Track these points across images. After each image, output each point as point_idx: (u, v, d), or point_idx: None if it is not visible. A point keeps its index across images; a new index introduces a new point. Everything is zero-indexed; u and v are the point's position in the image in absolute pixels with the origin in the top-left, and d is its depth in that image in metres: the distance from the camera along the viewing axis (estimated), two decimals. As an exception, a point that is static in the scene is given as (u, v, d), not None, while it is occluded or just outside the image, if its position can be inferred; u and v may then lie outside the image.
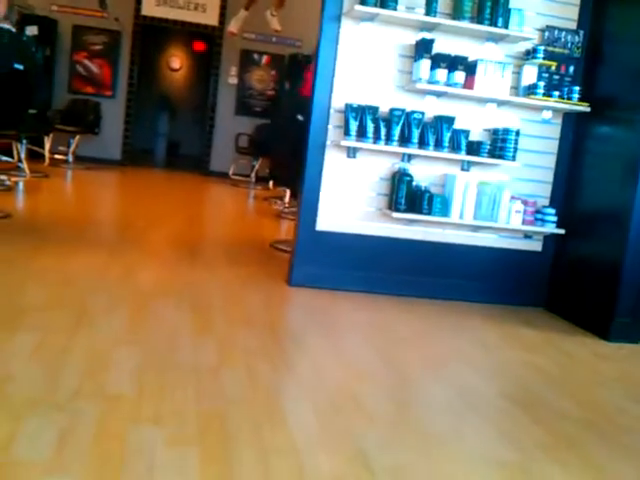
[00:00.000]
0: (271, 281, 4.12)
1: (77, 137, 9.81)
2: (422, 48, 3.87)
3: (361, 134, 3.89)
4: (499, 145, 3.99)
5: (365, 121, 3.88)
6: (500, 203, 4.01)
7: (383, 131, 3.90)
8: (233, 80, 11.49)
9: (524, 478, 1.99)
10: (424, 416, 2.40)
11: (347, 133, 3.89)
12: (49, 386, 2.16)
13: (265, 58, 11.54)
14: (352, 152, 4.00)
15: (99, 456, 1.76)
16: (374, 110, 3.90)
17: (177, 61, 15.48)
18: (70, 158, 9.69)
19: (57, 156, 9.50)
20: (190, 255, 4.73)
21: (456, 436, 2.24)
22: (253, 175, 10.42)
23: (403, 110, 3.91)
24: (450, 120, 3.97)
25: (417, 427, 2.27)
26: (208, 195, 9.60)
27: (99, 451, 1.78)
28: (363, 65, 3.96)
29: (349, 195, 4.05)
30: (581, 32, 4.10)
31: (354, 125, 3.88)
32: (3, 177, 6.37)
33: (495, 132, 4.05)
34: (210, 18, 11.25)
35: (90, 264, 3.93)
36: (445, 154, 3.96)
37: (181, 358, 2.59)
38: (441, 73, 3.85)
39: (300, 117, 5.28)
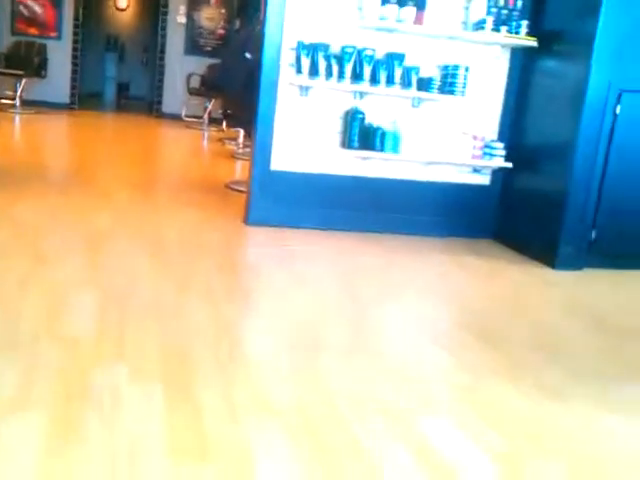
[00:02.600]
0: (228, 220, 4.16)
1: (23, 81, 9.52)
2: (372, -17, 3.86)
3: (313, 72, 3.89)
4: (448, 81, 4.04)
5: (316, 59, 3.88)
6: (449, 138, 4.10)
7: (335, 69, 3.92)
8: (182, 19, 11.22)
9: (479, 399, 2.08)
10: (382, 344, 2.50)
11: (298, 71, 3.89)
12: (8, 330, 2.18)
13: (214, -5, 11.28)
14: (304, 90, 4.01)
15: (63, 394, 1.79)
16: (325, 47, 3.90)
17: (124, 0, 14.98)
18: (17, 102, 9.42)
19: (4, 100, 9.24)
20: (144, 197, 4.73)
21: (412, 362, 2.34)
22: (206, 116, 10.30)
23: (354, 47, 3.92)
24: (400, 57, 3.99)
25: (375, 355, 2.37)
26: (161, 137, 9.49)
27: (63, 389, 1.82)
28: (314, 1, 3.93)
29: (303, 134, 4.08)
30: (529, -35, 4.12)
31: (306, 63, 3.88)
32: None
33: (445, 68, 4.09)
34: (156, -47, 10.89)
35: (42, 208, 3.91)
36: (396, 90, 4.00)
37: (141, 297, 2.64)
38: (391, 9, 3.85)
39: (248, 55, 5.22)
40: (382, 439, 1.77)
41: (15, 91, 9.46)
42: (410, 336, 2.62)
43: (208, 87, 10.20)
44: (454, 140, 4.10)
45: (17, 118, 8.90)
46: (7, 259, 2.92)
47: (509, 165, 4.21)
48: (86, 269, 2.91)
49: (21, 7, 10.66)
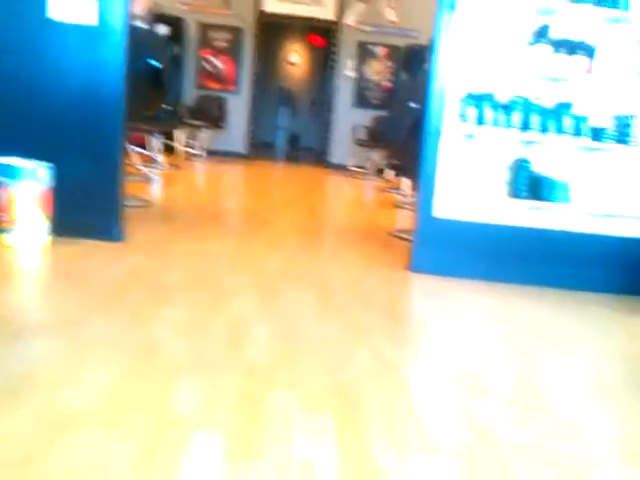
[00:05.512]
0: (391, 267, 4.26)
1: (205, 131, 10.36)
2: (541, 33, 3.88)
3: (479, 121, 3.95)
4: (622, 130, 3.93)
5: (483, 108, 3.94)
6: (623, 190, 3.96)
7: (502, 118, 3.95)
8: (351, 73, 11.69)
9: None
10: (552, 399, 2.43)
11: (464, 120, 3.96)
12: (193, 353, 2.42)
13: (382, 50, 11.66)
14: (470, 139, 4.07)
15: (242, 416, 1.96)
16: (493, 97, 3.95)
17: (296, 55, 15.89)
18: (199, 151, 10.25)
19: (187, 149, 10.10)
20: (311, 241, 4.97)
21: (585, 420, 2.25)
22: (371, 166, 10.58)
23: (522, 97, 3.94)
24: (570, 106, 3.95)
25: (545, 409, 2.31)
26: (327, 186, 9.87)
27: (241, 411, 1.99)
28: (481, 52, 4.00)
29: (467, 182, 4.12)
30: None
31: (472, 112, 3.94)
32: (141, 168, 6.90)
33: (618, 117, 3.99)
34: (328, 12, 11.49)
35: (222, 248, 4.25)
36: (565, 140, 3.95)
37: (308, 334, 2.79)
38: (561, 58, 3.85)
39: (413, 105, 5.36)
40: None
41: (197, 140, 10.32)
42: (577, 391, 2.54)
43: (373, 138, 10.52)
44: (629, 191, 3.96)
45: (198, 166, 9.67)
46: (194, 292, 3.21)
47: (689, 218, 3.99)
48: (260, 305, 3.12)
49: (205, 63, 11.63)
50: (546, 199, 3.97)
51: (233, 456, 1.73)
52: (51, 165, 3.74)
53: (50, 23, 3.81)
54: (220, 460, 1.70)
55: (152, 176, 7.09)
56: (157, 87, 5.91)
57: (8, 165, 3.64)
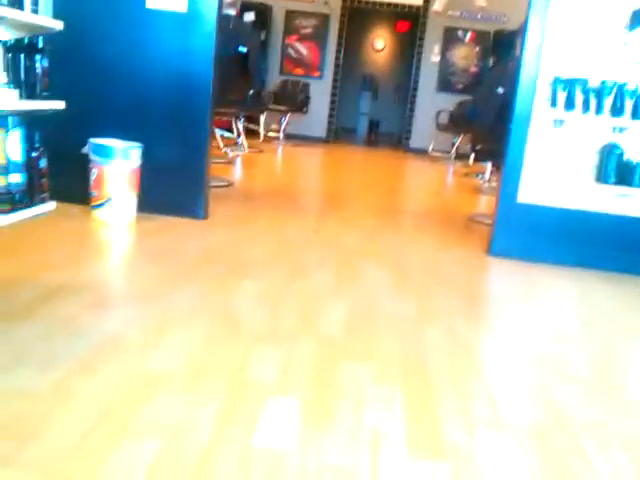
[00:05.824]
0: (470, 250, 4.22)
1: (288, 116, 10.49)
2: (638, 17, 3.73)
3: (568, 106, 3.85)
4: None
5: (573, 93, 3.83)
6: None
7: (592, 102, 3.83)
8: (436, 58, 11.55)
9: None
10: (627, 383, 2.40)
11: (553, 104, 3.86)
12: (271, 324, 2.48)
13: (469, 35, 11.46)
14: (558, 124, 3.97)
15: (316, 384, 2.01)
16: (583, 82, 3.83)
17: (381, 41, 15.80)
18: (281, 135, 10.39)
19: (270, 133, 10.25)
20: (389, 223, 4.97)
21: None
22: (453, 151, 10.45)
23: (614, 82, 3.80)
24: (666, 90, 3.79)
25: (618, 392, 2.28)
26: (407, 170, 9.81)
27: (315, 380, 2.03)
28: (573, 37, 3.89)
29: (554, 167, 4.02)
30: None
31: (562, 96, 3.84)
32: (226, 150, 7.07)
33: None
34: (415, -2, 11.39)
35: (300, 227, 4.31)
36: (660, 125, 3.80)
37: (384, 309, 2.82)
38: (659, 41, 3.70)
39: (501, 90, 5.26)
40: (621, 470, 1.72)
41: (280, 124, 10.46)
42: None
43: (457, 123, 10.37)
44: None
45: (280, 149, 9.81)
46: (272, 267, 3.29)
47: None
48: (337, 281, 3.16)
49: (290, 50, 11.74)
50: (637, 185, 3.83)
51: (306, 420, 1.77)
52: (142, 145, 3.88)
53: (146, 12, 3.93)
54: (294, 424, 1.75)
55: (235, 158, 7.24)
56: (244, 73, 6.03)
57: (102, 145, 3.80)
